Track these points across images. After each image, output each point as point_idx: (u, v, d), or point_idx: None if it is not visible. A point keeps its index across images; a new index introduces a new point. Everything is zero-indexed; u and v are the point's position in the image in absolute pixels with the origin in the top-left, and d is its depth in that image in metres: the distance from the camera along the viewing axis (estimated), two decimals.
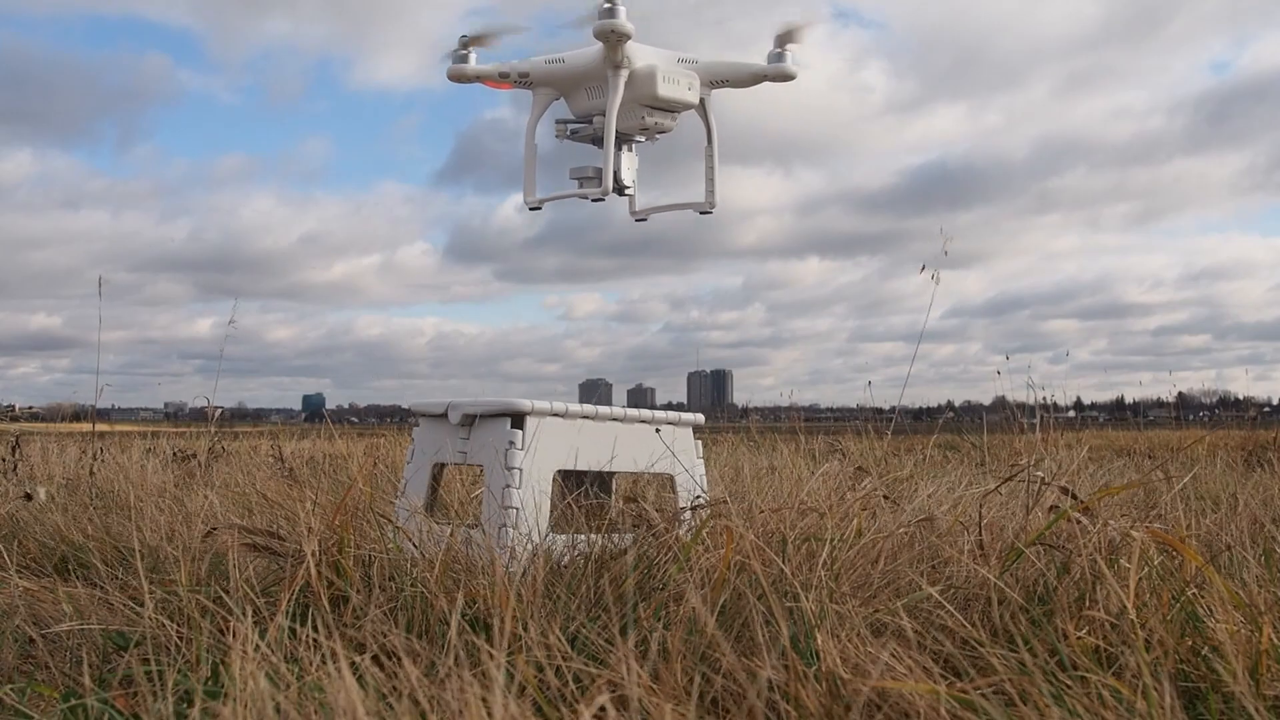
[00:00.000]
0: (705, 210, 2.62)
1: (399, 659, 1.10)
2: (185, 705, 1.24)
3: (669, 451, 2.36)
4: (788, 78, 2.55)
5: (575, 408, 2.24)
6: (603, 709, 1.05)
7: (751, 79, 2.57)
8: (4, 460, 4.13)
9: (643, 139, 2.59)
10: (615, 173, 2.51)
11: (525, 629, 1.33)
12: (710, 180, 2.62)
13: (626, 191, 2.58)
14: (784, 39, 2.54)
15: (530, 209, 2.58)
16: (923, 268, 4.10)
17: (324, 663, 1.12)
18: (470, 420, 2.27)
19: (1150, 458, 5.11)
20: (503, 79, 2.54)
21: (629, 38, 2.38)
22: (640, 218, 2.71)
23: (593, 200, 2.51)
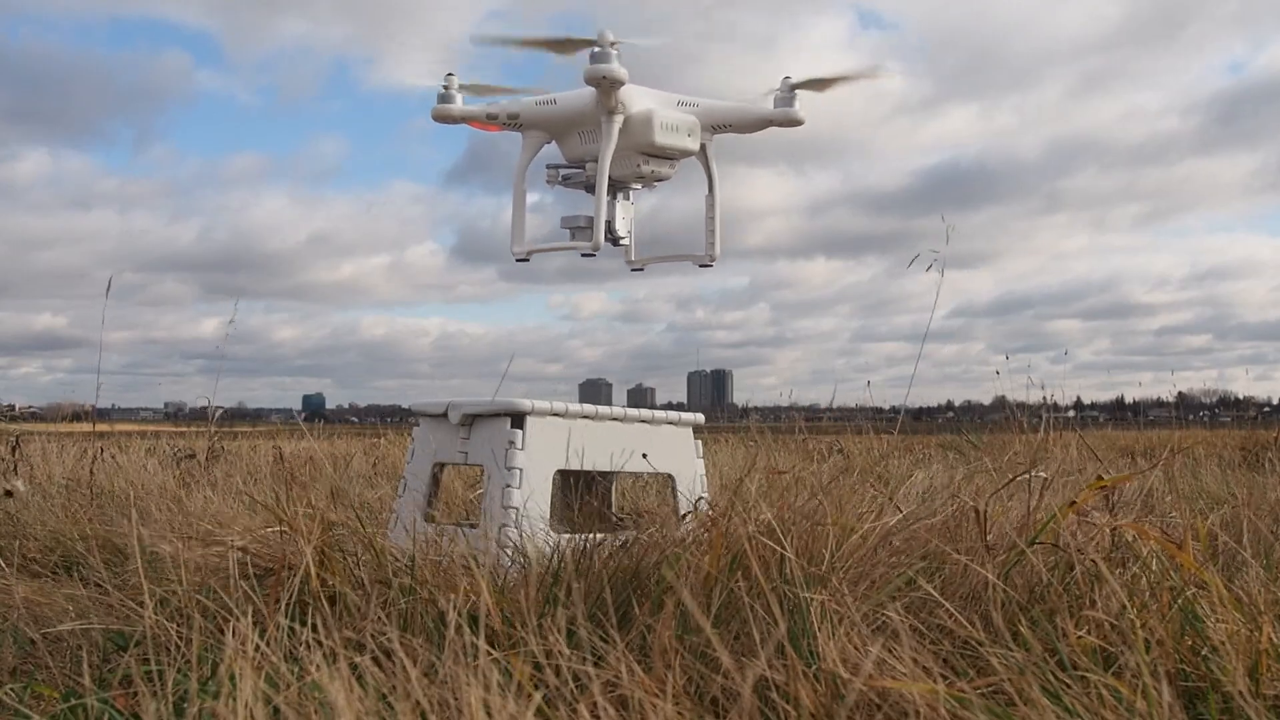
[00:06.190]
0: (705, 264, 2.50)
1: (397, 659, 1.10)
2: (186, 704, 1.24)
3: (667, 451, 2.36)
4: (795, 123, 2.42)
5: (575, 407, 2.24)
6: (594, 704, 1.05)
7: (757, 124, 2.44)
8: (3, 460, 4.13)
9: (639, 186, 2.46)
10: (609, 223, 2.38)
11: (523, 628, 1.33)
12: (711, 232, 2.49)
13: (621, 242, 2.45)
14: (794, 84, 2.41)
15: (517, 260, 2.45)
16: (929, 267, 4.03)
17: (323, 662, 1.12)
18: (470, 420, 2.27)
19: (1147, 457, 5.11)
20: (490, 120, 2.41)
21: (621, 84, 2.24)
22: (636, 268, 2.58)
23: (583, 255, 2.38)
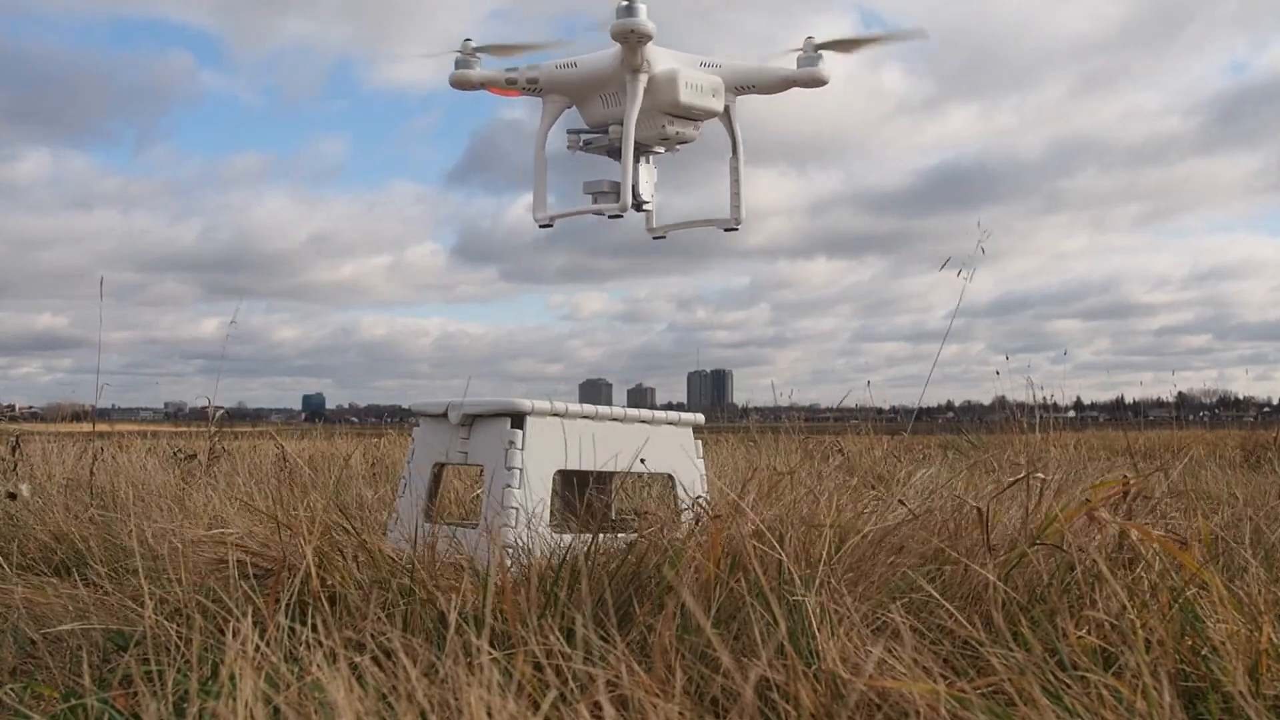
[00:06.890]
0: (731, 227, 2.46)
1: (397, 659, 1.10)
2: (186, 705, 1.24)
3: (667, 451, 2.36)
4: (819, 83, 2.37)
5: (575, 407, 2.24)
6: (597, 704, 1.05)
7: (780, 84, 2.39)
8: (3, 460, 4.13)
9: (662, 150, 2.41)
10: (633, 187, 2.32)
11: (524, 627, 1.33)
12: (735, 195, 2.45)
13: (645, 207, 2.40)
14: (818, 44, 2.37)
15: (541, 226, 2.41)
16: (959, 271, 3.90)
17: (323, 663, 1.12)
18: (470, 420, 2.27)
19: (1147, 458, 5.11)
20: (510, 85, 2.37)
21: (649, 38, 2.19)
22: (658, 235, 2.53)
23: (609, 217, 2.33)
